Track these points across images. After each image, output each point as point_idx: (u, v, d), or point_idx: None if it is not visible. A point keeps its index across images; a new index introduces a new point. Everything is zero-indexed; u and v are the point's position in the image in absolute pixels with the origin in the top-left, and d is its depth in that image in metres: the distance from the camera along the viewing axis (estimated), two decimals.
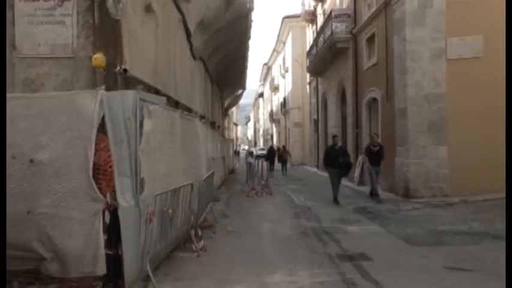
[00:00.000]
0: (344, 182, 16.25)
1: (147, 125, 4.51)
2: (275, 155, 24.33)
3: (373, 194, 11.04)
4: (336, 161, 10.42)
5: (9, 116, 4.17)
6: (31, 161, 4.18)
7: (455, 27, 10.41)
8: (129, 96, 4.29)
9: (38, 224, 4.17)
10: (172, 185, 5.13)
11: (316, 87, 24.05)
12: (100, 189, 4.16)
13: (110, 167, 4.21)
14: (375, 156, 10.72)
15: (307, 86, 28.79)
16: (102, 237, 4.15)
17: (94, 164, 4.17)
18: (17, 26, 4.63)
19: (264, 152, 30.86)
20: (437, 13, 10.59)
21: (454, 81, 10.42)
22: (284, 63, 35.99)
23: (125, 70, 4.62)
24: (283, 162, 23.00)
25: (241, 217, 8.97)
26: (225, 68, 15.78)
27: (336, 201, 10.54)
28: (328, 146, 12.01)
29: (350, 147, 16.62)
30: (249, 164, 15.07)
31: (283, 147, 26.42)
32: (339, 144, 11.29)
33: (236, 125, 55.95)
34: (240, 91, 25.88)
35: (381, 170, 10.94)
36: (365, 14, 14.59)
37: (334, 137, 11.52)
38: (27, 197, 4.17)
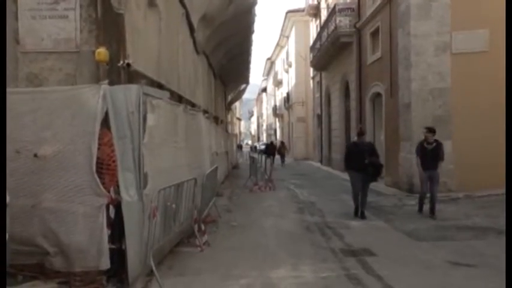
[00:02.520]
0: (346, 176, 16.30)
1: (151, 119, 4.51)
2: (275, 149, 25.85)
3: (421, 208, 8.30)
4: (361, 162, 7.81)
5: (13, 110, 4.18)
6: (35, 155, 4.19)
7: (461, 20, 10.31)
8: (133, 90, 4.28)
9: (42, 219, 4.19)
10: (176, 180, 5.12)
11: (320, 82, 23.97)
12: (103, 184, 4.16)
13: (113, 161, 4.21)
14: (431, 156, 7.87)
15: (311, 81, 28.70)
16: (106, 232, 4.16)
17: (97, 158, 4.17)
18: (20, 20, 4.61)
19: None
20: (442, 6, 10.50)
21: (459, 75, 10.34)
22: (287, 57, 35.86)
23: (128, 64, 4.59)
24: (282, 155, 25.54)
25: (244, 212, 8.97)
26: (228, 62, 15.73)
27: (357, 213, 8.14)
28: (350, 142, 9.39)
29: None
30: (252, 159, 15.07)
31: (282, 142, 28.94)
32: (365, 139, 8.58)
33: (239, 119, 55.95)
34: (243, 86, 25.84)
35: (439, 177, 8.03)
36: (369, 8, 14.49)
37: (359, 132, 8.63)
38: (31, 192, 4.19)
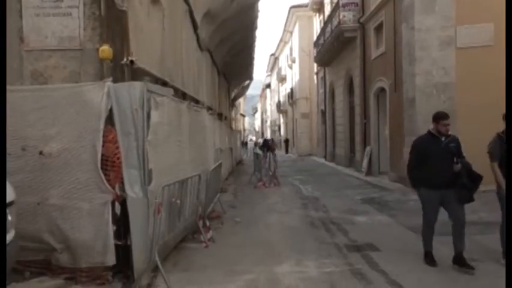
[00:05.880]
0: (351, 171, 16.34)
1: (155, 116, 4.52)
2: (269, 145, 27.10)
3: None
4: (447, 171, 4.72)
5: (18, 108, 4.22)
6: (40, 152, 4.22)
7: (466, 14, 10.22)
8: (137, 87, 4.30)
9: (48, 215, 4.23)
10: (180, 176, 5.15)
11: (324, 78, 23.90)
12: (108, 180, 4.19)
13: (118, 158, 4.24)
14: None
15: (315, 77, 28.60)
16: (111, 228, 4.20)
17: (102, 155, 4.20)
18: (24, 18, 4.64)
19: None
20: (446, 0, 10.41)
21: (464, 70, 10.26)
22: (291, 53, 35.73)
23: (132, 62, 4.60)
24: (273, 150, 26.29)
25: (248, 208, 9.00)
26: (231, 58, 15.71)
27: (430, 260, 4.90)
28: (420, 138, 5.38)
29: (358, 139, 16.55)
30: (256, 155, 15.10)
31: (272, 139, 31.07)
32: (446, 134, 4.99)
33: (243, 116, 55.95)
34: (247, 82, 25.86)
35: None
36: (373, 3, 14.40)
37: (442, 115, 4.99)
38: (37, 189, 4.22)
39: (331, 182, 13.71)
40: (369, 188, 11.64)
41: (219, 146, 11.15)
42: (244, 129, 56.93)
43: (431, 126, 5.07)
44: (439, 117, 4.94)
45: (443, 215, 7.49)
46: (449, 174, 4.70)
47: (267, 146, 25.77)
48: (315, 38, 25.23)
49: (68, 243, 4.22)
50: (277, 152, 28.18)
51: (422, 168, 4.87)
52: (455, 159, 4.73)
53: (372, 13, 14.48)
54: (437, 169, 4.73)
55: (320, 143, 26.37)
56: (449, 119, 4.98)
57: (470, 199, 4.80)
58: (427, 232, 5.04)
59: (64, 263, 4.28)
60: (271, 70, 54.68)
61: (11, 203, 3.24)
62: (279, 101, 46.53)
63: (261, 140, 44.36)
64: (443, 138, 4.89)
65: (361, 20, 15.69)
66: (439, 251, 5.38)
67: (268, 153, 18.39)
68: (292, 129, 36.67)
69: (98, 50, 4.50)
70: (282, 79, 43.44)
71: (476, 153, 10.21)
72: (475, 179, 4.79)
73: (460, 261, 4.67)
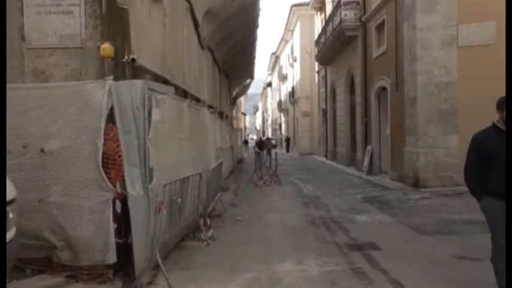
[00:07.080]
0: (351, 170, 16.34)
1: (156, 114, 4.51)
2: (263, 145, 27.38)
3: None
4: None
5: (19, 106, 4.22)
6: (42, 150, 4.22)
7: (467, 13, 10.20)
8: (138, 85, 4.30)
9: (49, 213, 4.23)
10: (181, 175, 5.15)
11: (325, 76, 23.88)
12: (109, 178, 4.19)
13: (119, 156, 4.24)
14: None
15: (316, 75, 28.59)
16: (112, 226, 4.20)
17: (103, 153, 4.20)
18: (25, 16, 4.64)
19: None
20: None
21: (465, 69, 10.24)
22: (292, 52, 35.71)
23: (133, 60, 4.61)
24: (268, 149, 26.71)
25: (249, 207, 9.00)
26: (232, 57, 15.72)
27: None
28: (480, 133, 4.01)
29: (359, 138, 16.56)
30: (258, 154, 15.11)
31: (267, 139, 30.62)
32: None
33: (244, 114, 55.88)
34: (248, 81, 25.87)
35: None
36: (374, 1, 14.37)
37: (503, 101, 3.62)
38: (38, 186, 4.23)
39: (332, 180, 13.70)
40: (369, 187, 11.63)
41: (220, 144, 11.15)
42: (245, 128, 56.91)
43: (496, 118, 3.80)
44: (504, 102, 3.60)
45: (443, 213, 7.50)
46: None
47: (265, 145, 26.03)
48: (316, 36, 25.20)
49: (68, 241, 4.22)
50: (277, 150, 28.27)
51: (486, 173, 3.66)
52: None
53: (373, 12, 14.46)
54: (504, 175, 3.37)
55: (321, 142, 26.37)
56: None
57: None
58: (503, 262, 3.34)
59: (65, 261, 4.28)
60: (272, 69, 54.64)
61: (12, 201, 3.24)
62: (280, 100, 46.52)
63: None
64: None
65: (363, 19, 15.67)
66: (438, 249, 5.39)
67: (264, 152, 18.70)
68: (293, 128, 36.66)
69: (99, 48, 4.51)
70: (283, 78, 43.42)
71: None
72: None
73: None
